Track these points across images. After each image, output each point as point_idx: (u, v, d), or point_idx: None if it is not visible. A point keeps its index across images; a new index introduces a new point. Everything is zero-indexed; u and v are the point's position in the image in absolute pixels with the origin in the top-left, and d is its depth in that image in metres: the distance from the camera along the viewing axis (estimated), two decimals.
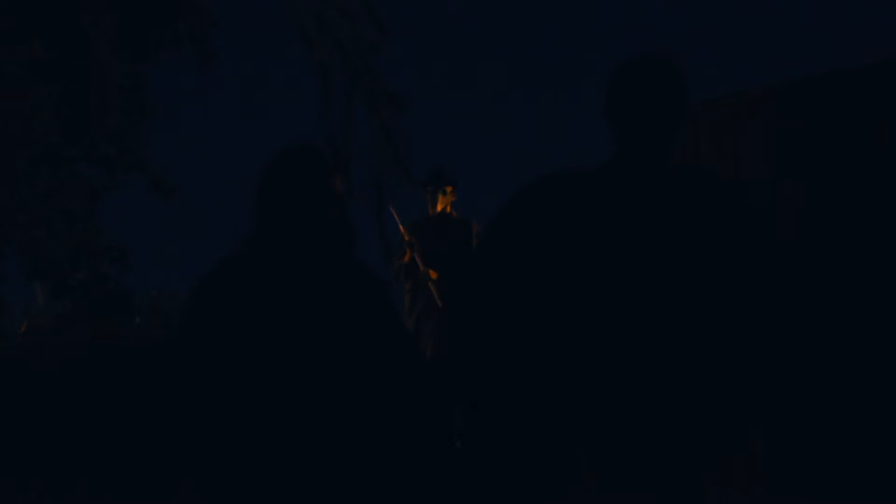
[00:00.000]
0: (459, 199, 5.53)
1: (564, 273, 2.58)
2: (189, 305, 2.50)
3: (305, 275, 2.39)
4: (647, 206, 2.63)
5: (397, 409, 2.55)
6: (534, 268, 2.46)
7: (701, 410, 2.83)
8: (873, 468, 5.76)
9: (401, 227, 5.26)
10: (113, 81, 6.51)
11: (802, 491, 5.89)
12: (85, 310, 6.73)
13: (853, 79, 6.17)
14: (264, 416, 2.39)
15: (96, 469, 5.60)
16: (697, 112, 6.75)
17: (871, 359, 5.86)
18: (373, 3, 1.80)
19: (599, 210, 2.56)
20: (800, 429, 5.99)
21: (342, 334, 2.39)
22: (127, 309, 7.01)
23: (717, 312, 2.81)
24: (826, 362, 6.00)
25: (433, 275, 5.23)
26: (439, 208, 5.42)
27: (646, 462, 2.74)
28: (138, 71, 6.98)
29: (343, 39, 1.74)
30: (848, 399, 5.92)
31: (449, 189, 5.40)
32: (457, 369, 2.60)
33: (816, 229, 6.26)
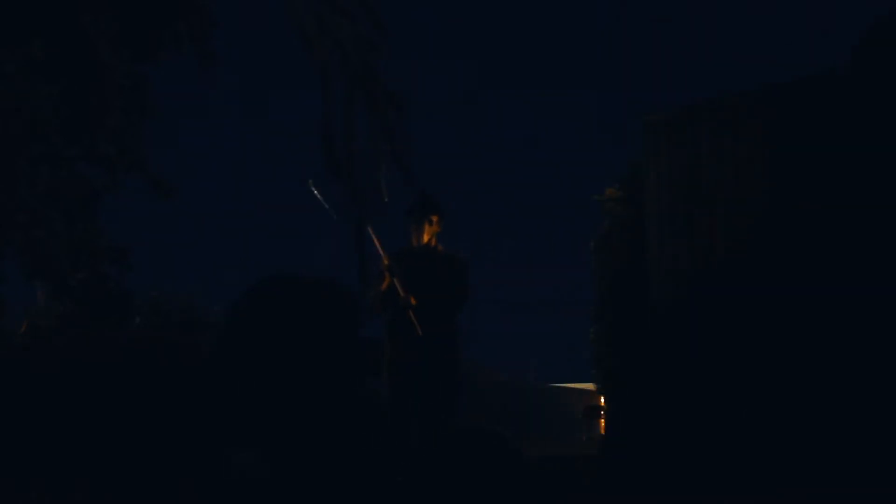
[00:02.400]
0: (446, 230, 4.96)
1: None
2: None
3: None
4: None
5: None
6: None
7: None
8: (871, 468, 5.76)
9: (381, 252, 4.77)
10: (113, 81, 6.50)
11: (800, 491, 5.89)
12: (85, 310, 6.72)
13: (853, 79, 6.17)
14: None
15: (96, 469, 5.60)
16: (697, 112, 6.76)
17: (872, 357, 5.86)
18: (373, 4, 1.79)
19: None
20: (798, 429, 6.00)
21: None
22: (127, 309, 7.01)
23: None
24: (825, 361, 6.00)
25: (413, 301, 4.66)
26: (424, 239, 4.87)
27: None
28: (138, 71, 6.97)
29: (343, 40, 1.74)
30: (847, 399, 5.93)
31: (434, 218, 4.88)
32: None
33: (816, 229, 6.26)
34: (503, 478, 4.48)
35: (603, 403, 9.01)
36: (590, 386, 10.74)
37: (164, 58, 6.96)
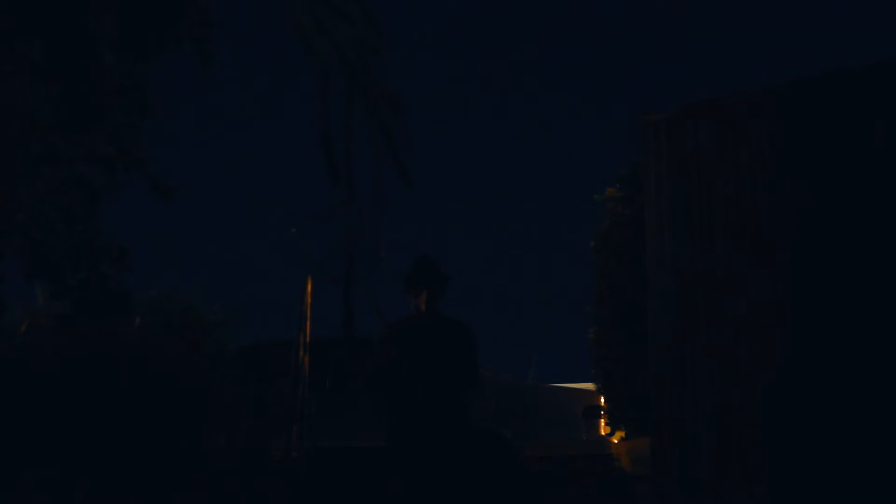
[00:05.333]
0: (451, 297, 4.50)
1: None
2: None
3: None
4: None
5: None
6: None
7: None
8: (871, 468, 5.77)
9: (381, 322, 4.23)
10: (113, 81, 6.50)
11: (800, 491, 5.90)
12: (85, 310, 6.73)
13: (853, 79, 6.17)
14: None
15: (96, 469, 5.60)
16: (697, 112, 6.76)
17: (872, 356, 5.87)
18: (371, 6, 1.79)
19: None
20: (798, 428, 6.00)
21: None
22: (127, 309, 7.01)
23: None
24: (825, 359, 6.01)
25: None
26: (424, 307, 4.43)
27: None
28: (138, 71, 6.97)
29: (341, 42, 1.74)
30: (848, 398, 5.93)
31: (436, 285, 4.42)
32: None
33: (816, 229, 6.27)
34: (503, 478, 4.47)
35: (603, 403, 9.00)
36: (590, 386, 10.73)
37: (164, 58, 6.96)
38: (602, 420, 9.99)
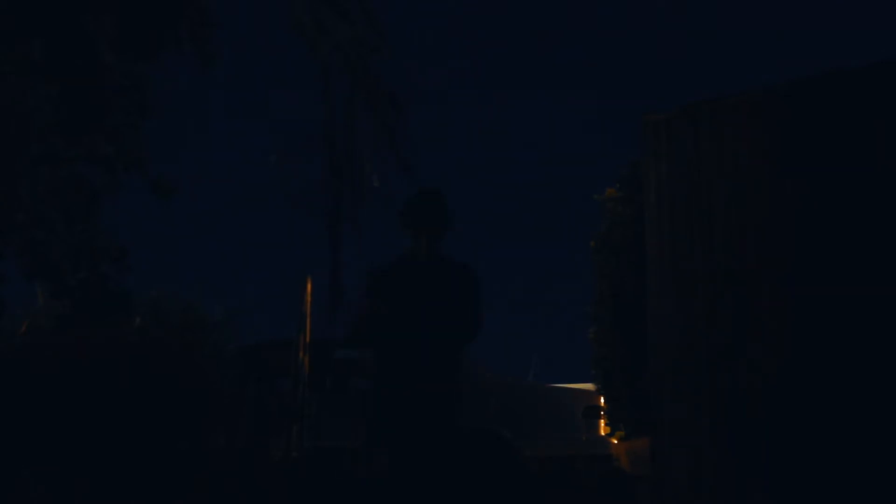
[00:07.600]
0: (454, 234, 3.93)
1: None
2: None
3: None
4: None
5: None
6: None
7: None
8: (872, 469, 5.77)
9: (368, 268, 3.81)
10: (113, 81, 6.50)
11: (800, 491, 5.90)
12: (85, 310, 6.73)
13: (853, 79, 6.17)
14: None
15: (96, 469, 5.60)
16: (697, 112, 6.76)
17: (873, 356, 5.87)
18: (371, 7, 1.80)
19: None
20: (798, 429, 6.00)
21: None
22: (127, 309, 7.01)
23: None
24: (826, 360, 6.01)
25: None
26: (424, 246, 3.87)
27: None
28: (138, 71, 6.97)
29: (342, 42, 1.74)
30: (849, 399, 5.93)
31: (436, 221, 3.89)
32: None
33: (817, 229, 6.27)
34: (503, 478, 4.47)
35: (603, 403, 9.00)
36: (590, 386, 10.73)
37: (164, 58, 6.96)
38: (602, 420, 9.99)
